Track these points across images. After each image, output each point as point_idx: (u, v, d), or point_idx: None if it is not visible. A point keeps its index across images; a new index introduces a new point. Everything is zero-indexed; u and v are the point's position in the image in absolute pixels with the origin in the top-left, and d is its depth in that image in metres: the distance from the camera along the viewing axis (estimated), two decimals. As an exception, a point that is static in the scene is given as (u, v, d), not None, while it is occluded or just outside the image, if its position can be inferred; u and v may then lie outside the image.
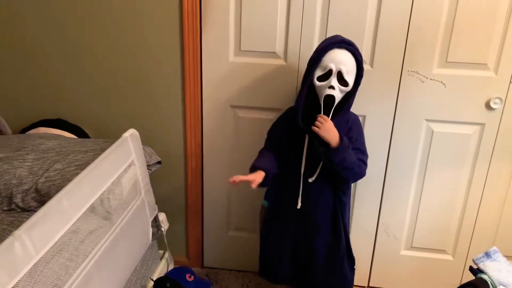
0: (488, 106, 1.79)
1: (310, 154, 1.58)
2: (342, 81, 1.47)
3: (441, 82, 1.78)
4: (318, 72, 1.49)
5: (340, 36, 1.52)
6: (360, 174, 1.60)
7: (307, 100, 1.53)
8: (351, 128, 1.59)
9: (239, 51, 1.87)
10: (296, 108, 1.57)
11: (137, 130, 1.66)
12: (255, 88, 1.91)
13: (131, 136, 1.60)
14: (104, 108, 2.02)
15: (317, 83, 1.49)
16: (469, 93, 1.79)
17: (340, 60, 1.46)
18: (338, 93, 1.48)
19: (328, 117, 1.50)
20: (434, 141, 1.88)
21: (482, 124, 1.83)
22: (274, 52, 1.84)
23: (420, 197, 1.97)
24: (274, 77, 1.87)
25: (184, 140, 2.02)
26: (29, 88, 2.04)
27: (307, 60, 1.80)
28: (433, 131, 1.87)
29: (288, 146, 1.63)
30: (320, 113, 1.50)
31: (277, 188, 1.70)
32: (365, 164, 1.60)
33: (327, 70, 1.47)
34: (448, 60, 1.75)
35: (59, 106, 2.04)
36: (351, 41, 1.50)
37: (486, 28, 1.70)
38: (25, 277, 1.05)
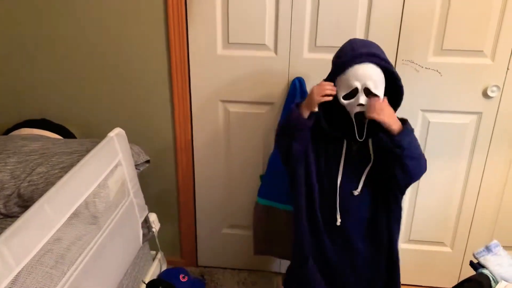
0: (485, 94, 1.74)
1: (348, 162, 1.42)
2: (371, 95, 1.32)
3: (437, 70, 1.73)
4: (342, 91, 1.34)
5: (356, 45, 1.37)
6: (424, 166, 1.39)
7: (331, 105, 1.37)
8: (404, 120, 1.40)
9: (227, 43, 1.80)
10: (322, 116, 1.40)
11: (124, 128, 1.60)
12: (245, 81, 1.85)
13: (116, 135, 1.54)
14: (89, 106, 1.96)
15: (344, 101, 1.34)
16: (466, 81, 1.74)
17: (364, 76, 1.31)
18: None
19: (363, 135, 1.36)
20: (431, 132, 1.83)
21: (479, 113, 1.79)
22: (264, 44, 1.78)
23: (417, 189, 1.93)
24: (265, 70, 1.81)
25: (173, 137, 1.97)
26: (12, 87, 1.97)
27: (298, 52, 1.77)
28: (429, 122, 1.82)
29: (317, 153, 1.46)
30: (353, 125, 1.36)
31: (300, 200, 1.48)
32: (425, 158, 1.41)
33: (352, 88, 1.32)
34: (443, 48, 1.70)
35: (43, 105, 1.98)
36: (371, 51, 1.34)
37: (482, 14, 1.64)
38: (6, 289, 1.00)
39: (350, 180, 1.42)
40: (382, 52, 1.37)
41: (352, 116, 1.35)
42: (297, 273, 1.57)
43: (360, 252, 1.49)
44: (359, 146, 1.41)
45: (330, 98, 1.34)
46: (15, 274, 1.03)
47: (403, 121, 1.34)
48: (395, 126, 1.32)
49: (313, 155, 1.45)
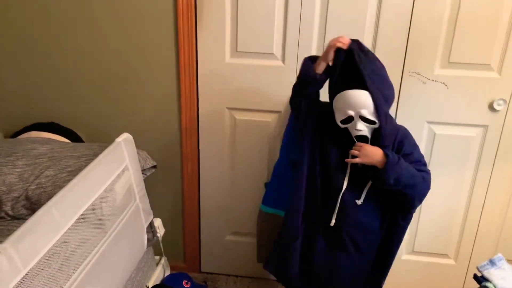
0: (491, 107, 1.75)
1: (355, 170, 1.43)
2: (367, 121, 1.32)
3: (443, 83, 1.74)
4: (339, 116, 1.35)
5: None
6: (426, 187, 1.41)
7: None
8: (402, 143, 1.42)
9: (235, 52, 1.82)
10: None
11: (132, 134, 1.62)
12: (252, 89, 1.86)
13: (124, 140, 1.56)
14: (98, 111, 1.97)
15: (342, 125, 1.36)
16: (472, 94, 1.74)
17: (357, 104, 1.30)
18: (368, 132, 1.34)
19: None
20: (436, 144, 1.83)
21: (485, 126, 1.79)
22: (272, 53, 1.79)
23: (422, 201, 1.93)
24: (272, 79, 1.83)
25: (180, 143, 1.98)
26: (22, 91, 1.99)
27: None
28: (435, 133, 1.82)
29: (322, 148, 1.47)
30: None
31: (302, 169, 1.51)
32: (429, 174, 1.42)
33: (347, 116, 1.33)
34: (450, 61, 1.71)
35: (52, 109, 2.00)
36: (365, 74, 1.29)
37: (490, 28, 1.65)
38: (12, 291, 1.01)
39: (354, 188, 1.44)
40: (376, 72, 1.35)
41: (353, 137, 1.37)
42: (280, 252, 1.61)
43: (351, 257, 1.51)
44: (366, 171, 1.40)
45: (344, 47, 1.31)
46: (22, 276, 1.04)
47: (387, 155, 1.34)
48: (380, 164, 1.35)
49: (330, 148, 1.46)
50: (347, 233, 1.48)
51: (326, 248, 1.53)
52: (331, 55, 1.34)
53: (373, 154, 1.35)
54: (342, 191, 1.44)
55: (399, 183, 1.34)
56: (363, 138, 1.37)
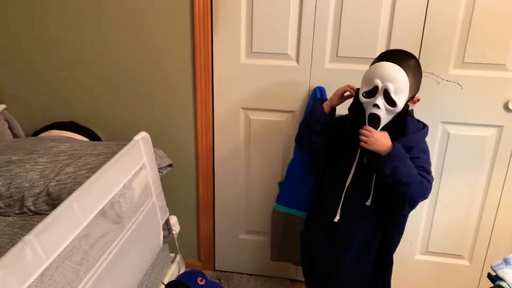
0: (506, 107, 1.74)
1: (359, 170, 1.43)
2: (389, 100, 1.30)
3: (458, 83, 1.74)
4: (364, 87, 1.34)
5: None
6: (422, 193, 1.36)
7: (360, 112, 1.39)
8: (411, 146, 1.38)
9: (250, 52, 1.85)
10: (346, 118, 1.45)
11: (148, 133, 1.65)
12: (267, 90, 1.88)
13: (142, 139, 1.59)
14: (115, 111, 2.02)
15: (362, 99, 1.34)
16: (487, 94, 1.74)
17: (388, 76, 1.28)
18: (384, 114, 1.31)
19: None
20: (450, 144, 1.83)
21: (500, 126, 1.78)
22: (286, 54, 1.82)
23: (436, 201, 1.93)
24: (286, 79, 1.85)
25: (195, 142, 2.01)
26: (42, 91, 2.04)
27: (320, 62, 1.80)
28: (449, 133, 1.82)
29: (332, 153, 1.52)
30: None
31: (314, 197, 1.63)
32: (430, 183, 1.37)
33: (373, 86, 1.31)
34: (464, 61, 1.71)
35: (71, 109, 2.05)
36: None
37: (505, 28, 1.65)
38: (35, 282, 1.04)
39: (357, 187, 1.45)
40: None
41: (366, 116, 1.35)
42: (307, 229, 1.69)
43: (350, 255, 1.53)
44: (369, 158, 1.38)
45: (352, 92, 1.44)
46: (45, 267, 1.08)
47: (393, 146, 1.33)
48: (384, 152, 1.33)
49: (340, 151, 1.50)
50: (347, 230, 1.50)
51: (327, 245, 1.57)
52: (336, 100, 1.48)
53: (382, 143, 1.33)
54: (345, 188, 1.45)
55: (394, 176, 1.31)
56: (375, 122, 1.34)
